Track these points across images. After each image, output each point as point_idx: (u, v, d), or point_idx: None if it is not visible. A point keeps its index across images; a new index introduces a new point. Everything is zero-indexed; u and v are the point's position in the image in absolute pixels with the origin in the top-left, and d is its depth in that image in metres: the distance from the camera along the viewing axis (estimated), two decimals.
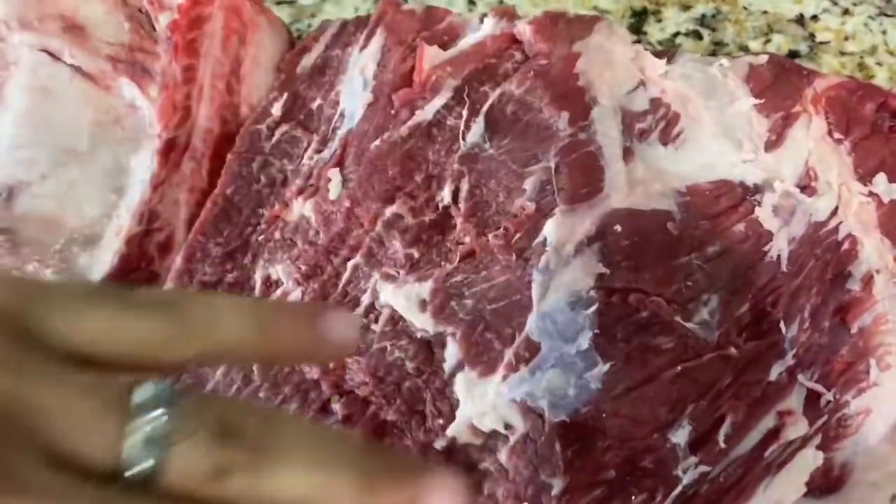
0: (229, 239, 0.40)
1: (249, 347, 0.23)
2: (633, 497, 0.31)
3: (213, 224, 0.40)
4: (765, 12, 0.62)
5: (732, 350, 0.34)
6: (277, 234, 0.39)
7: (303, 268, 0.37)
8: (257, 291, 0.38)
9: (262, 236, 0.39)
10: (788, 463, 0.33)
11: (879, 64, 0.60)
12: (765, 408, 0.34)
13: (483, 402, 0.32)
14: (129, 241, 0.41)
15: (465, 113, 0.40)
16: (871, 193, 0.41)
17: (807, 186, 0.40)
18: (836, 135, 0.42)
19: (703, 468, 0.32)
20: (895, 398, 0.37)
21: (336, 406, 0.33)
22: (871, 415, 0.36)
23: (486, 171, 0.38)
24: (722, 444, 0.33)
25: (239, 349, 0.22)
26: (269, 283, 0.38)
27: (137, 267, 0.40)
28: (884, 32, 0.61)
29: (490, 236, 0.36)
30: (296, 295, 0.37)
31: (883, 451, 0.36)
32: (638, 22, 0.62)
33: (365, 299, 0.36)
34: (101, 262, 0.41)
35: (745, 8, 0.63)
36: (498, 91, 0.40)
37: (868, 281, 0.38)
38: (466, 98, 0.40)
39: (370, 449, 0.22)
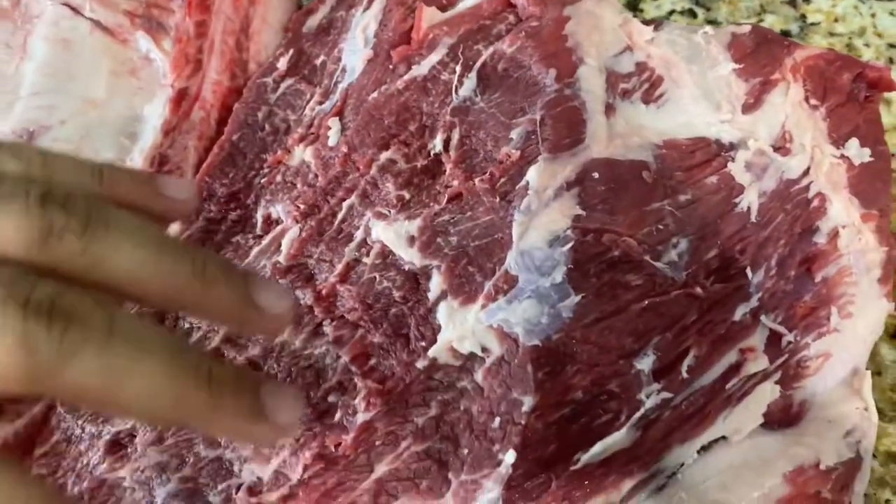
0: (234, 181, 0.42)
1: (88, 187, 0.25)
2: (598, 416, 0.33)
3: (220, 167, 0.43)
4: None
5: (699, 290, 0.36)
6: (279, 178, 0.42)
7: (301, 207, 0.40)
8: (258, 229, 0.41)
9: (265, 179, 0.42)
10: (748, 395, 0.36)
11: (867, 45, 0.62)
12: (728, 345, 0.36)
13: (463, 328, 0.35)
14: None
15: (458, 69, 0.42)
16: (842, 156, 0.43)
17: (781, 147, 0.42)
18: (813, 101, 0.45)
19: (666, 395, 0.34)
20: (854, 345, 0.39)
21: (327, 329, 0.36)
22: (831, 359, 0.38)
23: (475, 122, 0.40)
24: (685, 375, 0.35)
25: (79, 187, 0.24)
26: (270, 221, 0.41)
27: None
28: (873, 15, 0.63)
29: (476, 180, 0.38)
30: (294, 231, 0.39)
31: (841, 392, 0.38)
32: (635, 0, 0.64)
33: (358, 235, 0.38)
34: None
35: None
36: (491, 49, 0.43)
37: (834, 236, 0.40)
38: (461, 55, 0.43)
39: (202, 250, 0.25)
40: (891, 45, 0.61)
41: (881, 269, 0.41)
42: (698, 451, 0.35)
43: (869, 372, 0.39)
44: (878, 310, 0.40)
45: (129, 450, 0.34)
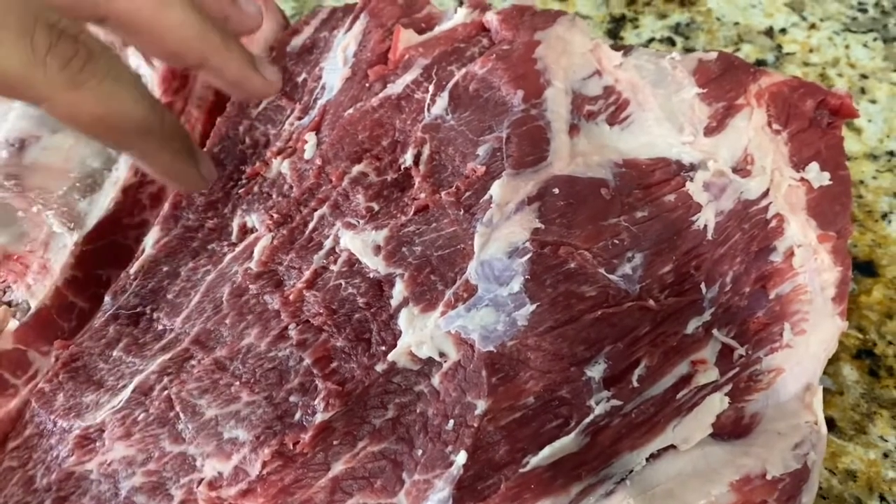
0: (213, 191, 0.44)
1: None
2: (549, 421, 0.35)
3: None
4: (736, 23, 0.67)
5: (652, 302, 0.38)
6: (256, 188, 0.43)
7: (275, 216, 0.41)
8: (234, 237, 0.42)
9: (243, 189, 0.44)
10: (698, 406, 0.37)
11: (840, 75, 0.63)
12: (679, 356, 0.37)
13: (422, 333, 0.36)
14: (125, 191, 0.45)
15: (431, 88, 0.44)
16: (802, 179, 0.45)
17: (742, 169, 0.44)
18: (776, 126, 0.46)
19: (616, 402, 0.35)
20: (808, 361, 0.40)
21: (292, 332, 0.37)
22: (784, 374, 0.39)
23: (445, 139, 0.42)
24: (635, 384, 0.36)
25: None
26: (245, 230, 0.42)
27: (131, 213, 0.45)
28: (846, 46, 0.65)
29: (443, 193, 0.40)
30: (266, 239, 0.41)
31: (792, 407, 0.39)
32: (616, 28, 0.67)
33: (327, 244, 0.40)
34: (98, 207, 0.45)
35: (718, 19, 0.67)
36: (463, 70, 0.44)
37: (790, 255, 0.42)
38: (434, 75, 0.45)
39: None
40: (863, 76, 0.63)
41: (835, 289, 0.42)
42: (647, 459, 0.36)
43: (821, 388, 0.41)
44: (832, 327, 0.41)
45: (97, 444, 0.35)
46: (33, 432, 0.36)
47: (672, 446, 0.36)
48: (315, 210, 0.41)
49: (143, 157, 0.33)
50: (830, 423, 0.47)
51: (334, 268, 0.39)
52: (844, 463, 0.46)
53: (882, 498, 0.44)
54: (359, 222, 0.40)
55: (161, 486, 0.34)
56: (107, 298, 0.40)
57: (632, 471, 0.35)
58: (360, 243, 0.38)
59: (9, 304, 0.41)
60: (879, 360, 0.50)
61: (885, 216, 0.56)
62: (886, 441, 0.46)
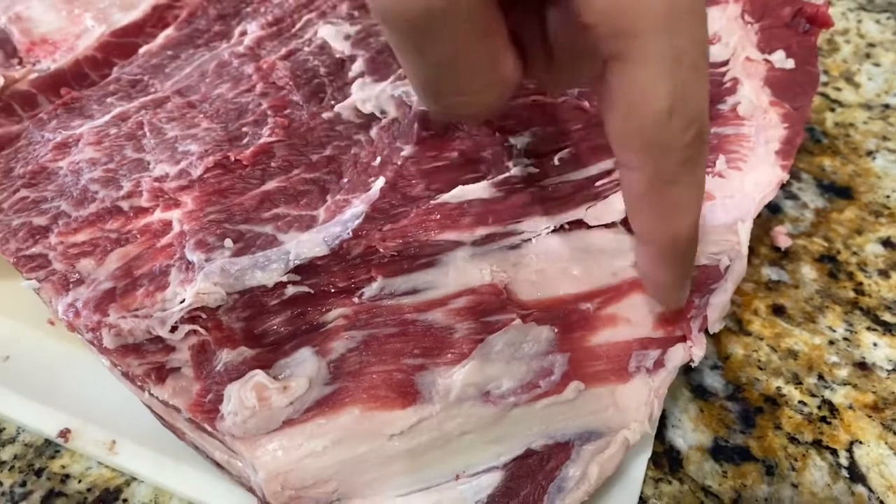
0: (225, 8, 0.50)
1: None
2: (467, 174, 0.37)
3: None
4: None
5: (586, 104, 0.40)
6: (262, 8, 0.49)
7: (269, 18, 0.46)
8: (233, 40, 0.48)
9: (250, 8, 0.49)
10: (615, 194, 0.39)
11: (848, 42, 0.66)
12: (606, 154, 0.39)
13: (370, 93, 0.40)
14: (155, 7, 0.51)
15: None
16: (766, 60, 0.47)
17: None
18: (748, 18, 0.49)
19: (533, 170, 0.38)
20: (740, 197, 0.41)
21: (258, 87, 0.41)
22: (714, 202, 0.41)
23: None
24: (556, 162, 0.38)
25: None
26: (242, 34, 0.48)
27: (155, 24, 0.51)
28: (859, 21, 0.67)
29: None
30: (257, 33, 0.46)
31: (718, 231, 0.40)
32: None
33: (307, 35, 0.44)
34: (129, 18, 0.51)
35: None
36: None
37: (735, 106, 0.44)
38: None
39: None
40: (870, 45, 0.65)
41: (781, 144, 0.43)
42: (558, 229, 0.37)
43: (751, 222, 0.41)
44: (771, 174, 0.42)
45: (71, 148, 0.40)
46: (23, 143, 0.41)
47: (584, 224, 0.38)
48: (304, 16, 0.46)
49: None
50: (780, 310, 0.47)
51: (307, 49, 0.43)
52: (788, 343, 0.46)
53: (821, 377, 0.44)
54: (339, 21, 0.44)
55: (114, 180, 0.38)
56: (115, 69, 0.46)
57: (539, 234, 0.37)
58: (333, 31, 0.43)
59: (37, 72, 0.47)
60: (841, 265, 0.50)
61: (870, 153, 0.57)
62: (834, 331, 0.46)
